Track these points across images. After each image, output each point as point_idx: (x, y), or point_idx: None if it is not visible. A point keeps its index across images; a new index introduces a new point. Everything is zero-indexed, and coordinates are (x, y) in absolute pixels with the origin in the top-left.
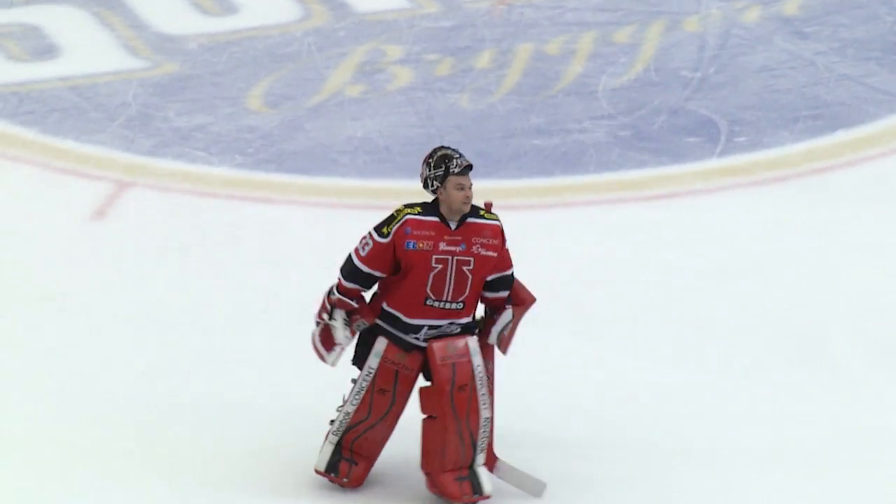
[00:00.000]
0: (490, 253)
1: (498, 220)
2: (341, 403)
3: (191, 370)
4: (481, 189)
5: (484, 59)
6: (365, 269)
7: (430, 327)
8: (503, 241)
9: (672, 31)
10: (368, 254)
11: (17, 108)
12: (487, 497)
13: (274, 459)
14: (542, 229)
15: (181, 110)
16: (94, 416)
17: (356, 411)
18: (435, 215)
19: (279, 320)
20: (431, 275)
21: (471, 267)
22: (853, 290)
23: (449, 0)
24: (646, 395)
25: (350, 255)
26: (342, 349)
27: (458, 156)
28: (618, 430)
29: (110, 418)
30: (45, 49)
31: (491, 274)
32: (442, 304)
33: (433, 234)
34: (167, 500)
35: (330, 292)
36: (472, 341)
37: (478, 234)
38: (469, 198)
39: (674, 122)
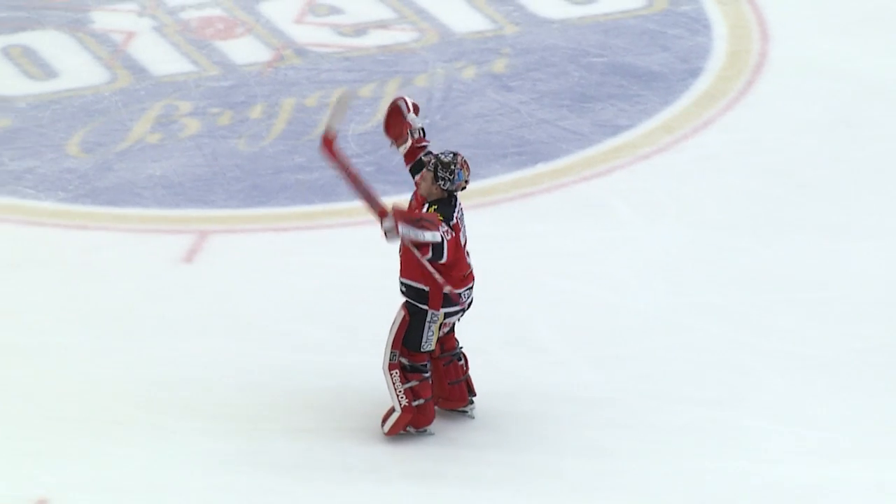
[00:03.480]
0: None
1: (428, 211)
2: None
3: (20, 363)
4: (255, 215)
5: (256, 111)
6: None
7: None
8: None
9: (406, 86)
10: None
11: None
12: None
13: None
14: (306, 246)
15: (14, 156)
16: None
17: None
18: None
19: (94, 322)
20: None
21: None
22: (552, 288)
23: (227, 64)
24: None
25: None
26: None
27: None
28: (359, 410)
29: None
30: None
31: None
32: None
33: (414, 203)
34: None
35: None
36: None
37: None
38: (416, 183)
39: None
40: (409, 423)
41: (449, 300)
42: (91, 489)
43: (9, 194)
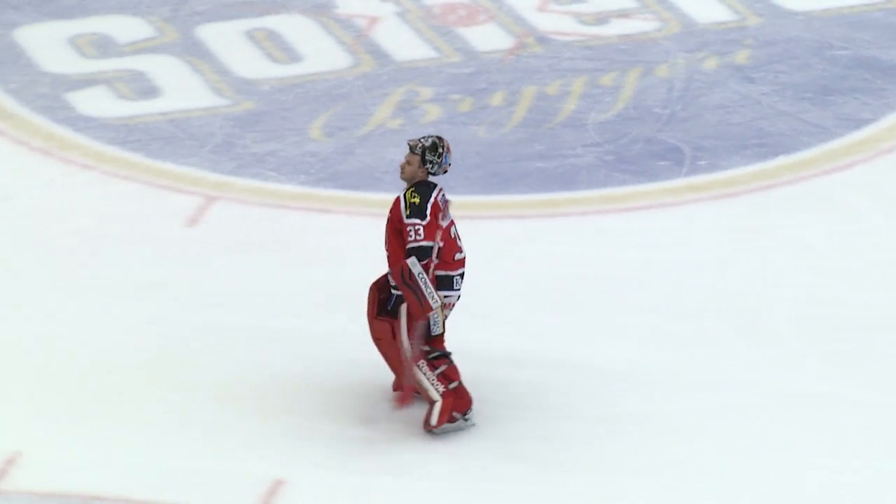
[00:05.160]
0: (389, 215)
1: (405, 194)
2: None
3: (260, 344)
4: (494, 202)
5: (497, 99)
6: None
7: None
8: (399, 211)
9: (647, 76)
10: None
11: (126, 137)
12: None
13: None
14: (544, 234)
15: (257, 139)
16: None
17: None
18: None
19: (335, 305)
20: None
21: (386, 223)
22: (791, 281)
23: (469, 51)
24: (619, 365)
25: None
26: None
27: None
28: (594, 397)
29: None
30: (148, 90)
31: (397, 232)
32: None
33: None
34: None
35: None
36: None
37: (395, 200)
38: (401, 168)
39: (648, 148)
40: (452, 409)
41: (442, 282)
42: (327, 468)
43: (252, 177)
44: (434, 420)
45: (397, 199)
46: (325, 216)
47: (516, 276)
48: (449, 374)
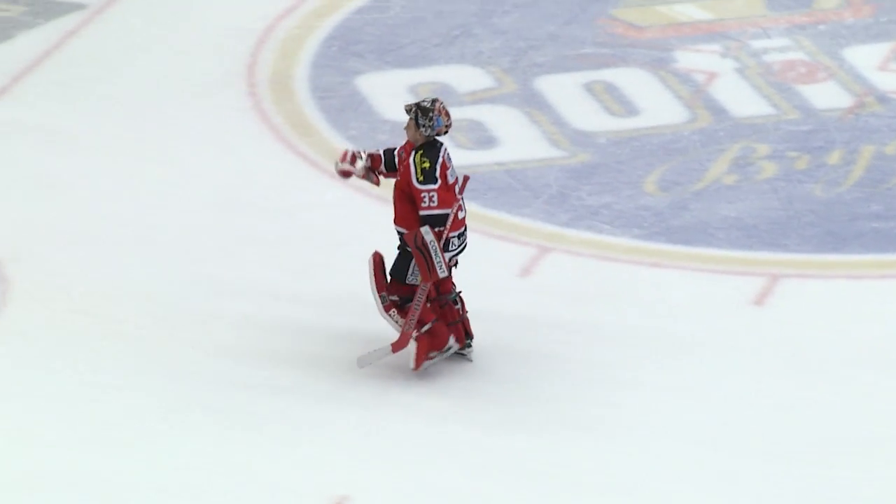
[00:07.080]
0: (398, 179)
1: (415, 159)
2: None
3: (588, 392)
4: (829, 262)
5: (834, 157)
6: None
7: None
8: (410, 175)
9: None
10: None
11: None
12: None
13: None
14: (879, 295)
15: (591, 191)
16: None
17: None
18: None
19: (662, 357)
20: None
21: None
22: None
23: (807, 108)
24: None
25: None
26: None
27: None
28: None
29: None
30: (486, 140)
31: (407, 196)
32: None
33: (403, 155)
34: None
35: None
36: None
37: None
38: (405, 129)
39: None
40: (428, 350)
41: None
42: None
43: (585, 229)
44: (411, 364)
45: (406, 164)
46: (656, 270)
47: (849, 337)
48: (421, 318)
